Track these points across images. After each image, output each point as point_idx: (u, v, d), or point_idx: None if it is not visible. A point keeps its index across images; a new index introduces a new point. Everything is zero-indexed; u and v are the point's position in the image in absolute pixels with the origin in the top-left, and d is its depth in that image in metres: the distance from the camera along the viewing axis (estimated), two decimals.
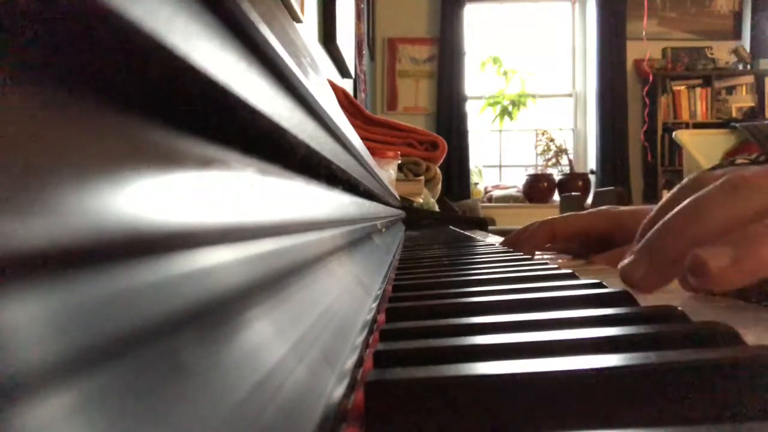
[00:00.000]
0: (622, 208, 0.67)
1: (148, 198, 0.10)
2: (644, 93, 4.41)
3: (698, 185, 0.32)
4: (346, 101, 1.89)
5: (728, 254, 0.26)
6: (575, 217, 0.68)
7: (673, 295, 0.35)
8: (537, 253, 0.69)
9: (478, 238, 1.04)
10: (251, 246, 0.15)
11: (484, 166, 4.71)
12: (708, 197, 0.30)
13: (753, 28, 4.41)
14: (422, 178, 1.92)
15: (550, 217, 0.69)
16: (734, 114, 4.25)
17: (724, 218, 0.28)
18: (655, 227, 0.31)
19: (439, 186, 2.13)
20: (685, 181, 0.34)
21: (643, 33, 4.45)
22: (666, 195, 0.35)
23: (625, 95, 4.46)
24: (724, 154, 3.19)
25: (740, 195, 0.29)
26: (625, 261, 0.31)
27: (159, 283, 0.09)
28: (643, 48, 4.42)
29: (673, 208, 0.31)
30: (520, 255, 0.59)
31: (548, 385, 0.16)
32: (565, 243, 0.69)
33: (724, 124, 3.86)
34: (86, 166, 0.08)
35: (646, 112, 4.41)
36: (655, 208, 0.34)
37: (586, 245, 0.68)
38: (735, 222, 0.28)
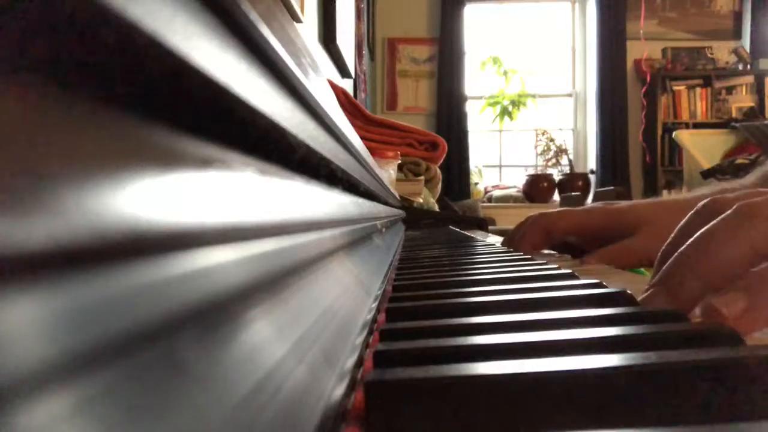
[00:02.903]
0: (619, 203, 0.67)
1: (148, 198, 0.10)
2: (642, 93, 4.41)
3: (715, 210, 0.32)
4: (346, 101, 1.89)
5: (741, 301, 0.26)
6: (569, 214, 0.68)
7: None
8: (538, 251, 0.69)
9: (478, 238, 1.04)
10: (251, 246, 0.15)
11: (484, 166, 4.70)
12: (720, 228, 0.29)
13: (753, 28, 4.40)
14: (422, 178, 1.92)
15: (543, 212, 0.69)
16: (734, 114, 4.24)
17: (737, 252, 0.28)
18: (671, 260, 0.31)
19: (439, 186, 2.12)
20: (701, 205, 0.34)
21: (641, 33, 4.44)
22: (683, 219, 0.35)
23: (625, 95, 4.45)
24: (724, 154, 3.19)
25: (752, 225, 0.28)
26: (645, 295, 0.31)
27: (159, 283, 0.09)
28: (643, 48, 4.42)
29: (689, 235, 0.31)
30: (519, 255, 0.59)
31: (548, 385, 0.16)
32: (560, 240, 0.69)
33: (724, 124, 3.86)
34: (86, 166, 0.08)
35: (643, 113, 4.41)
36: (674, 232, 0.34)
37: (582, 241, 0.68)
38: (749, 255, 0.28)
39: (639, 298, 0.31)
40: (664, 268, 0.31)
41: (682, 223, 0.34)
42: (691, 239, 0.30)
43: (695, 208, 0.34)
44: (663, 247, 0.34)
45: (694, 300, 0.29)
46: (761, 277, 0.27)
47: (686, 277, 0.29)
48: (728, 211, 0.30)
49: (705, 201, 0.34)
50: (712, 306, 0.26)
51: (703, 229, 0.30)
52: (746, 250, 0.28)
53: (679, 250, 0.31)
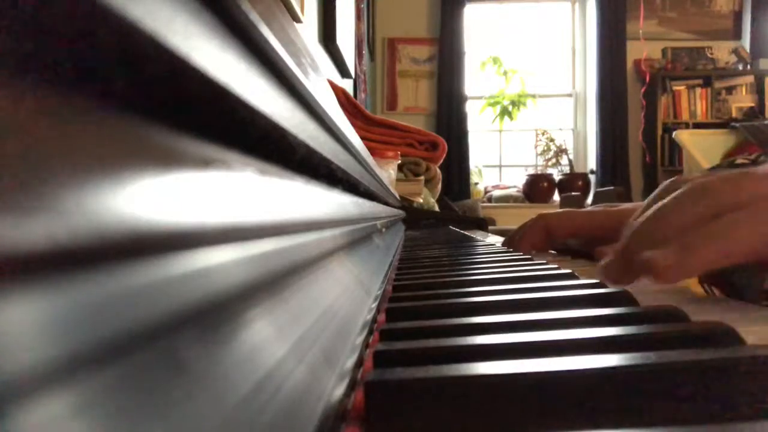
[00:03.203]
0: (621, 206, 0.67)
1: (148, 198, 0.10)
2: (642, 93, 4.41)
3: (672, 188, 0.36)
4: (346, 101, 1.89)
5: (674, 255, 0.31)
6: (571, 215, 0.68)
7: (672, 295, 0.35)
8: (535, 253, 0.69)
9: (478, 238, 1.04)
10: (251, 246, 0.15)
11: (484, 166, 4.70)
12: (670, 202, 0.34)
13: (753, 28, 4.40)
14: (422, 178, 1.92)
15: (543, 213, 0.68)
16: (734, 114, 4.24)
17: (682, 221, 0.33)
18: (628, 233, 0.36)
19: (439, 186, 2.12)
20: (662, 186, 0.39)
21: (641, 33, 4.44)
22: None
23: (625, 95, 4.45)
24: (724, 154, 3.19)
25: (698, 199, 0.33)
26: (603, 261, 0.36)
27: (159, 283, 0.09)
28: (643, 48, 4.42)
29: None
30: (519, 255, 0.59)
31: (548, 385, 0.16)
32: (560, 241, 0.69)
33: (724, 124, 3.86)
34: (86, 166, 0.08)
35: (643, 113, 4.41)
36: (638, 210, 0.39)
37: (582, 243, 0.67)
38: (692, 223, 0.32)
39: (597, 267, 0.34)
40: (621, 240, 0.35)
41: (645, 203, 0.38)
42: (647, 213, 0.35)
43: (657, 189, 0.39)
44: (628, 223, 0.38)
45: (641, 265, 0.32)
46: (696, 236, 0.31)
47: (638, 246, 0.33)
48: (680, 189, 0.34)
49: (666, 182, 0.38)
50: (649, 258, 0.31)
51: (656, 204, 0.35)
52: (688, 220, 0.32)
53: (635, 223, 0.35)
